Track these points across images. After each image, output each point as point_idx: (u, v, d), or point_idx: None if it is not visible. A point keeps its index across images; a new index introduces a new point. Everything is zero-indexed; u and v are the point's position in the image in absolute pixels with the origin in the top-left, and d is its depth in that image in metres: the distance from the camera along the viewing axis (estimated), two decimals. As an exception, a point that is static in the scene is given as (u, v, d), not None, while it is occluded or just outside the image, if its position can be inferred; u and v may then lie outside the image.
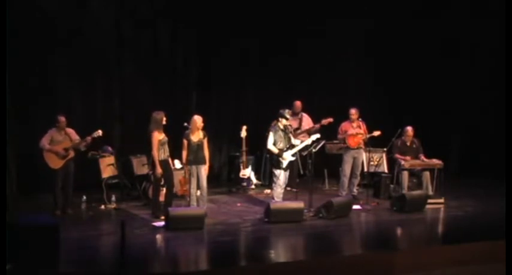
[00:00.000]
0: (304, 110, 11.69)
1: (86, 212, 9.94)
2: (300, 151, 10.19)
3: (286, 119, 10.02)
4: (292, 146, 9.96)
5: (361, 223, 9.95)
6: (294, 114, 11.42)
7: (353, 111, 10.98)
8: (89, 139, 9.68)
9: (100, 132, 9.74)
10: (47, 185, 9.94)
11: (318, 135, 10.04)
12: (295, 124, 11.42)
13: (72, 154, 9.66)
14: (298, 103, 11.57)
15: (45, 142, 9.51)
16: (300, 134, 11.28)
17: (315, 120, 11.53)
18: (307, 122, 11.58)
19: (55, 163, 9.55)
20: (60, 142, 9.59)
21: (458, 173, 13.18)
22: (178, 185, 10.68)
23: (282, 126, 9.98)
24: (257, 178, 12.13)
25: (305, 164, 10.63)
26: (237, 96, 12.97)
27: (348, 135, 10.96)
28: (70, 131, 9.72)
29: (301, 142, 10.22)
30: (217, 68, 12.59)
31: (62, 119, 9.62)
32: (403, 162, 10.95)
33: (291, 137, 10.11)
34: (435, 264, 7.88)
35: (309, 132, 11.23)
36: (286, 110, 10.13)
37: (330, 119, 11.31)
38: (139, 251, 7.70)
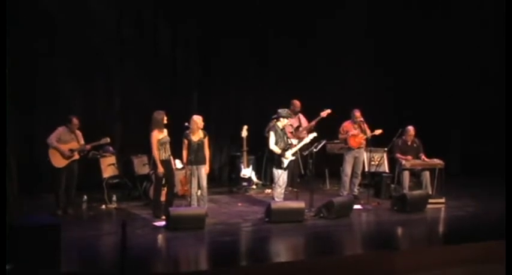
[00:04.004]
0: (304, 109, 11.69)
1: (86, 212, 9.96)
2: (300, 150, 10.21)
3: (287, 118, 10.07)
4: (290, 146, 9.97)
5: (362, 222, 9.96)
6: (294, 113, 11.43)
7: (358, 114, 10.96)
8: (88, 146, 9.74)
9: (108, 139, 9.84)
10: (47, 185, 9.96)
11: (314, 134, 10.05)
12: (295, 123, 11.44)
13: (76, 155, 9.68)
14: (297, 102, 11.54)
15: (53, 139, 9.53)
16: (301, 131, 11.29)
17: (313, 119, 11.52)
18: (304, 120, 11.60)
19: (58, 162, 9.55)
20: (67, 142, 9.60)
21: (459, 173, 13.20)
22: (179, 185, 10.67)
23: (281, 126, 9.99)
24: (258, 178, 12.13)
25: (306, 164, 10.63)
26: (237, 96, 12.96)
27: (350, 135, 10.96)
28: (78, 133, 9.74)
29: (299, 141, 10.26)
30: (217, 67, 12.58)
31: (76, 121, 9.65)
32: (404, 162, 10.95)
33: (288, 137, 10.13)
34: (436, 264, 7.89)
35: (310, 129, 11.26)
36: (286, 110, 10.15)
37: (329, 110, 11.23)
38: (140, 251, 7.69)
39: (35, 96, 10.98)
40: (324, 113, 11.25)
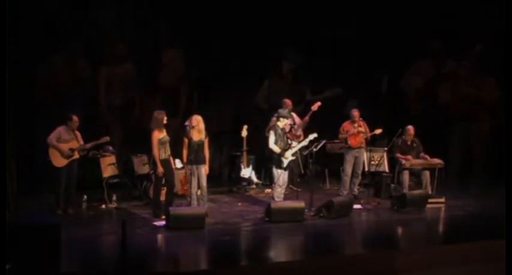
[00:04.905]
0: (304, 109, 11.68)
1: (86, 212, 9.96)
2: (300, 150, 10.21)
3: (287, 118, 10.08)
4: (290, 146, 9.97)
5: (361, 222, 9.95)
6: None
7: (356, 113, 10.98)
8: (88, 145, 9.74)
9: (108, 138, 9.85)
10: (48, 185, 9.96)
11: (315, 135, 10.05)
12: (289, 121, 11.45)
13: (77, 155, 9.70)
14: (288, 101, 11.49)
15: (53, 138, 9.54)
16: (297, 129, 11.29)
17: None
18: (297, 118, 11.60)
19: (58, 161, 9.57)
20: (66, 141, 9.62)
21: (459, 173, 13.19)
22: (179, 185, 10.65)
23: (281, 126, 10.00)
24: (258, 178, 12.13)
25: (306, 164, 10.62)
26: (237, 95, 12.96)
27: (350, 134, 10.97)
28: (77, 133, 9.75)
29: (299, 142, 10.28)
30: (217, 67, 12.59)
31: (75, 118, 9.66)
32: (403, 161, 10.96)
33: (288, 137, 10.14)
34: (435, 264, 7.89)
35: (305, 125, 11.27)
36: (286, 110, 10.16)
37: (319, 103, 11.25)
38: (140, 251, 7.69)
39: (35, 97, 10.97)
40: (315, 107, 11.26)
